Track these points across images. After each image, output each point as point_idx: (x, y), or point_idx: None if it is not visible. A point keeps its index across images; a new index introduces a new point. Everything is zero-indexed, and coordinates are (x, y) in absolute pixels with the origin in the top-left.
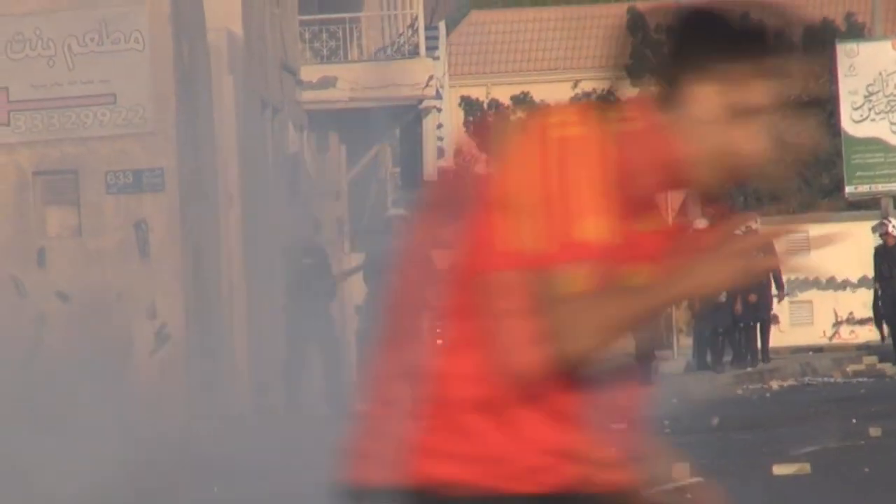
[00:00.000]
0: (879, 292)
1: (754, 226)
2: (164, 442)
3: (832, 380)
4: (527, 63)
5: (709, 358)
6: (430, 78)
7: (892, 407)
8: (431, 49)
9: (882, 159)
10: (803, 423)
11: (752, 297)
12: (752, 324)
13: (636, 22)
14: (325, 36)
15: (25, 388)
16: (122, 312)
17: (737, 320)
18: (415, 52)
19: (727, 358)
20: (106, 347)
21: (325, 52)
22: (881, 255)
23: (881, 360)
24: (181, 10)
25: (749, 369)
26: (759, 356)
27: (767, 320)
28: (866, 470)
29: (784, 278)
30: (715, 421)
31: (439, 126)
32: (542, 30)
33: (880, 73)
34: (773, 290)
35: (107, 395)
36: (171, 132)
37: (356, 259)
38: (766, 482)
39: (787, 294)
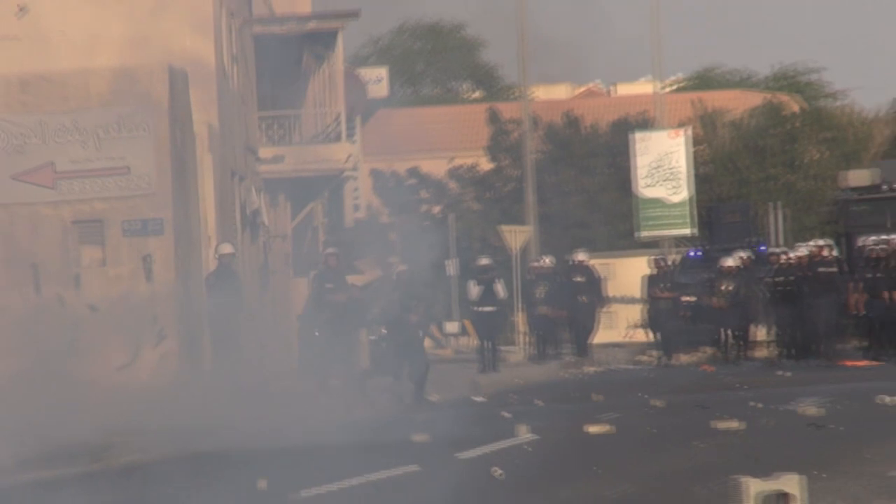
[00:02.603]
0: (650, 306)
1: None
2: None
3: (629, 367)
4: (417, 145)
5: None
6: (349, 156)
7: (669, 386)
8: (350, 135)
9: (663, 213)
10: (608, 397)
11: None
12: (579, 327)
13: (493, 117)
14: (275, 126)
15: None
16: (133, 319)
17: (562, 325)
18: (338, 138)
19: (556, 350)
20: (122, 343)
21: (275, 137)
22: (654, 279)
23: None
24: (176, 108)
25: (571, 359)
26: (581, 350)
27: (590, 326)
28: (654, 430)
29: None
30: (539, 401)
31: (355, 190)
32: (429, 122)
33: (662, 154)
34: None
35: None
36: (168, 193)
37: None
38: (582, 438)
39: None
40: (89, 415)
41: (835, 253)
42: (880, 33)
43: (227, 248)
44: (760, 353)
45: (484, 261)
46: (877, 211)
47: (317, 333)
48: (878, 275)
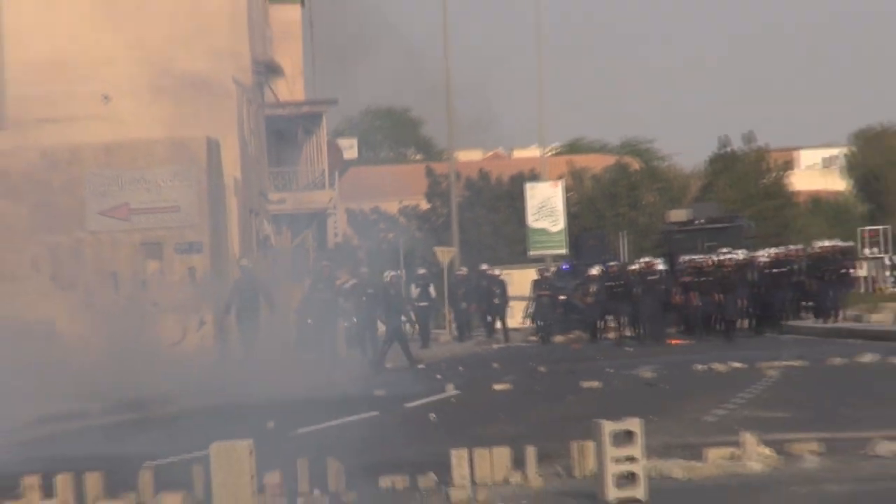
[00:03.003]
0: (535, 302)
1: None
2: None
3: (522, 345)
4: (377, 191)
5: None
6: (330, 199)
7: (549, 358)
8: (331, 185)
9: (546, 239)
10: (507, 365)
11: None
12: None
13: (429, 172)
14: (280, 178)
15: None
16: (182, 311)
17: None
18: (323, 187)
19: (475, 333)
20: (174, 328)
21: (280, 185)
22: (538, 283)
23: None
24: (211, 167)
25: (486, 338)
26: (499, 334)
27: (503, 315)
28: (539, 388)
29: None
30: (461, 368)
31: (335, 223)
32: (385, 176)
33: (545, 199)
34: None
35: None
36: (206, 225)
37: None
38: (490, 393)
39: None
40: (151, 376)
41: (661, 266)
42: (694, 117)
43: (246, 261)
44: (611, 335)
45: (421, 270)
46: (689, 238)
47: (309, 321)
48: (702, 279)
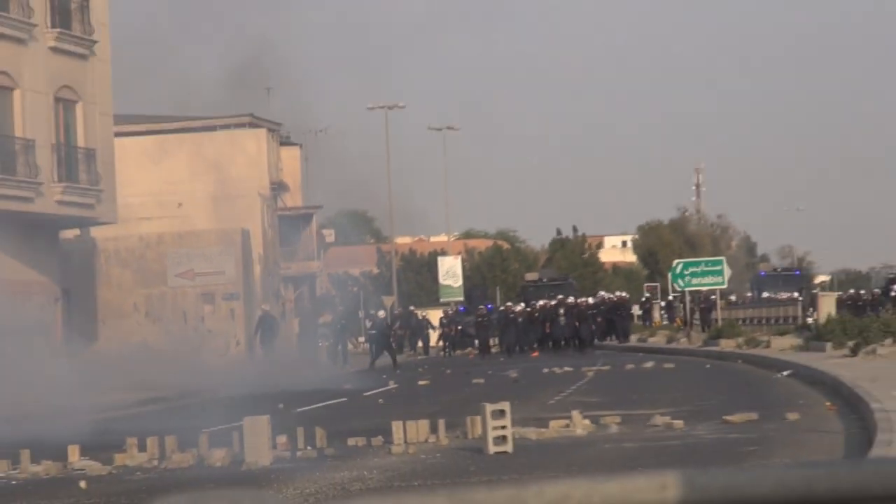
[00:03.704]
0: (443, 330)
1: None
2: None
3: (437, 357)
4: (347, 262)
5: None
6: (318, 267)
7: (453, 364)
8: (318, 258)
9: (451, 290)
10: (427, 369)
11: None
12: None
13: (379, 251)
14: (286, 253)
15: None
16: (226, 335)
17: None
18: (313, 258)
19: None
20: (221, 345)
21: (287, 257)
22: (443, 318)
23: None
24: (244, 246)
25: (413, 353)
26: (422, 351)
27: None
28: (447, 384)
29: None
30: (398, 371)
31: (321, 282)
32: (352, 254)
33: (450, 266)
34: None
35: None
36: (240, 282)
37: (295, 322)
38: (416, 387)
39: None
40: (206, 376)
41: (518, 308)
42: (541, 214)
43: (267, 306)
44: (496, 350)
45: (372, 311)
46: (538, 291)
47: (321, 343)
48: (551, 316)
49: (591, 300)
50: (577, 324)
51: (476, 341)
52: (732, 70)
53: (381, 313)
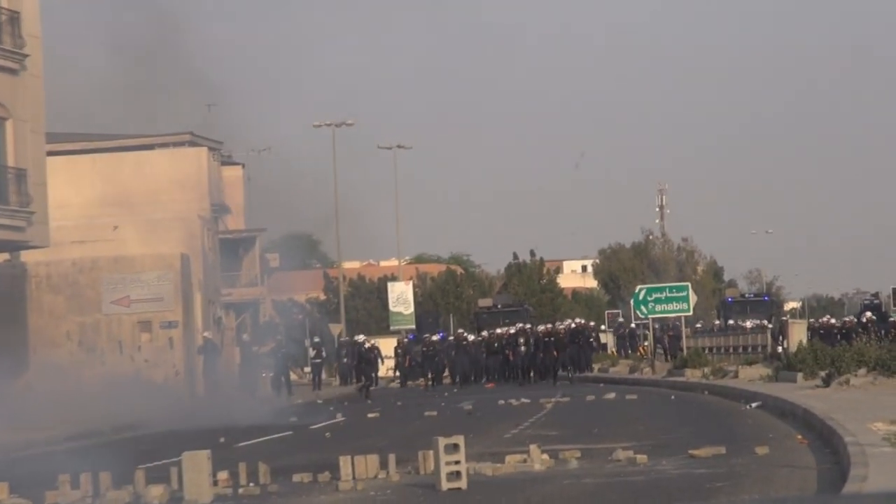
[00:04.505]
0: (399, 360)
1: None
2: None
3: (388, 387)
4: (292, 287)
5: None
6: (261, 293)
7: (405, 396)
8: (262, 283)
9: (402, 318)
10: (377, 401)
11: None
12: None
13: (326, 275)
14: (228, 279)
15: None
16: (163, 369)
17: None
18: (256, 284)
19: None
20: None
21: (229, 283)
22: (398, 347)
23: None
24: (184, 272)
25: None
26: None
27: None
28: (398, 416)
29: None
30: (346, 403)
31: (264, 308)
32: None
33: (401, 292)
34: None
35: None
36: (180, 310)
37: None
38: (366, 420)
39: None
40: (144, 409)
41: (472, 337)
42: (495, 238)
43: (207, 335)
44: (447, 381)
45: (316, 339)
46: (492, 318)
47: (264, 374)
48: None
49: (551, 327)
50: (537, 353)
51: (429, 372)
52: (695, 85)
53: (361, 337)
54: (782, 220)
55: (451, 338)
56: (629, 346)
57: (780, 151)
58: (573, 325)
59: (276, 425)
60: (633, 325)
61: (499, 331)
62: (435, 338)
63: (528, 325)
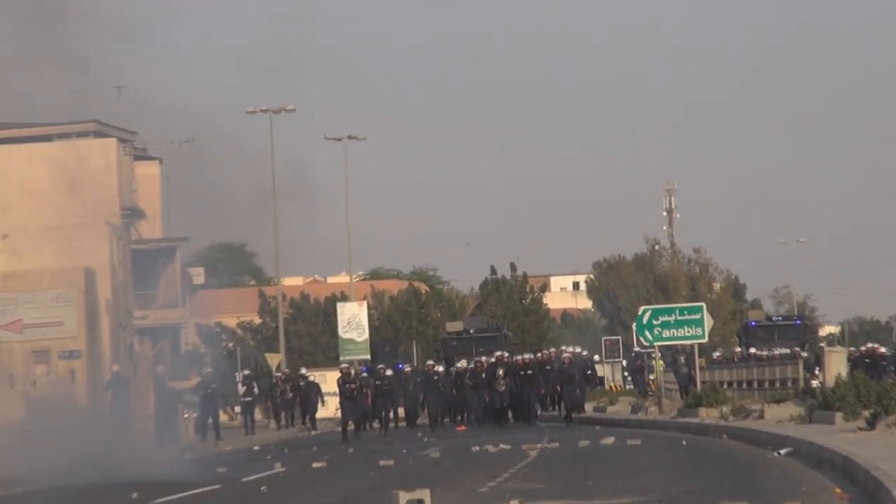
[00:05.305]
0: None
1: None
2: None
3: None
4: (221, 309)
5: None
6: (183, 316)
7: (357, 440)
8: (183, 304)
9: (353, 347)
10: (323, 447)
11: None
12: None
13: (261, 294)
14: (143, 299)
15: None
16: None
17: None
18: (177, 305)
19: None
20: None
21: (143, 304)
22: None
23: None
24: (88, 290)
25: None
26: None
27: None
28: (348, 465)
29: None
30: (286, 450)
31: (186, 335)
32: (224, 297)
33: (353, 315)
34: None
35: None
36: (83, 336)
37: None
38: (310, 470)
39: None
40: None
41: (440, 368)
42: (468, 249)
43: (116, 367)
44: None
45: (247, 372)
46: (463, 345)
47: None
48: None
49: (529, 358)
50: (521, 388)
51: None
52: (708, 63)
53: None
54: (816, 226)
55: (408, 370)
56: (634, 380)
57: (813, 146)
58: (566, 356)
59: (201, 479)
60: (633, 354)
61: (480, 360)
62: (389, 372)
63: (506, 355)
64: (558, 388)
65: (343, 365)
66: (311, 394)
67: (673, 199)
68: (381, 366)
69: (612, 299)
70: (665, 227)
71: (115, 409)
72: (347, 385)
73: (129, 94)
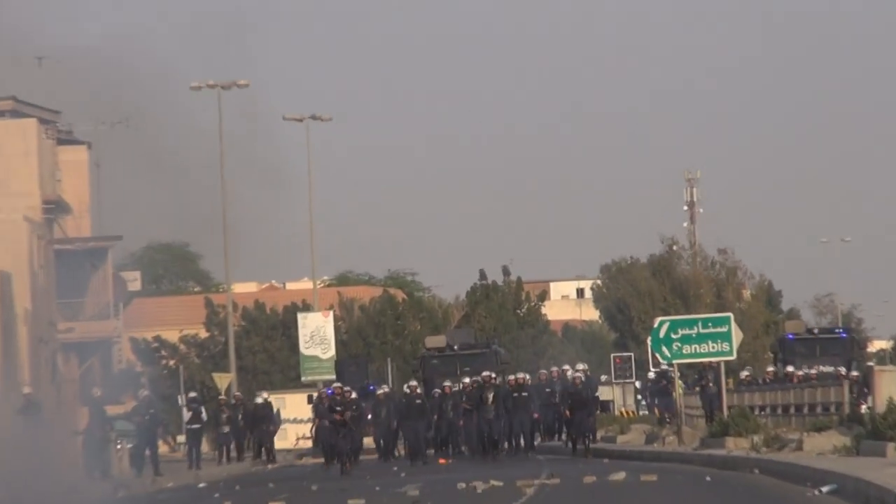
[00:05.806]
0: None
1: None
2: None
3: (298, 463)
4: (158, 321)
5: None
6: (115, 328)
7: (323, 478)
8: (116, 315)
9: (317, 365)
10: (281, 484)
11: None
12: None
13: (208, 303)
14: (68, 308)
15: None
16: None
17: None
18: (108, 317)
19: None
20: None
21: (69, 315)
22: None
23: None
24: (4, 298)
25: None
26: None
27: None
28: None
29: None
30: (238, 487)
31: (119, 350)
32: (166, 306)
33: (316, 328)
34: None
35: None
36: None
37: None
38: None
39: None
40: None
41: (419, 391)
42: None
43: (29, 390)
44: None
45: (192, 394)
46: (445, 364)
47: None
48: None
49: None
50: (514, 414)
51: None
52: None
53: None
54: (864, 224)
55: (381, 393)
56: (648, 403)
57: (862, 126)
58: (575, 375)
59: None
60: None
61: (468, 379)
62: (354, 395)
63: (493, 375)
64: (566, 412)
65: (336, 384)
66: (266, 420)
67: (695, 190)
68: (346, 388)
69: (623, 309)
70: (685, 224)
71: (31, 439)
72: (336, 410)
73: (51, 65)
